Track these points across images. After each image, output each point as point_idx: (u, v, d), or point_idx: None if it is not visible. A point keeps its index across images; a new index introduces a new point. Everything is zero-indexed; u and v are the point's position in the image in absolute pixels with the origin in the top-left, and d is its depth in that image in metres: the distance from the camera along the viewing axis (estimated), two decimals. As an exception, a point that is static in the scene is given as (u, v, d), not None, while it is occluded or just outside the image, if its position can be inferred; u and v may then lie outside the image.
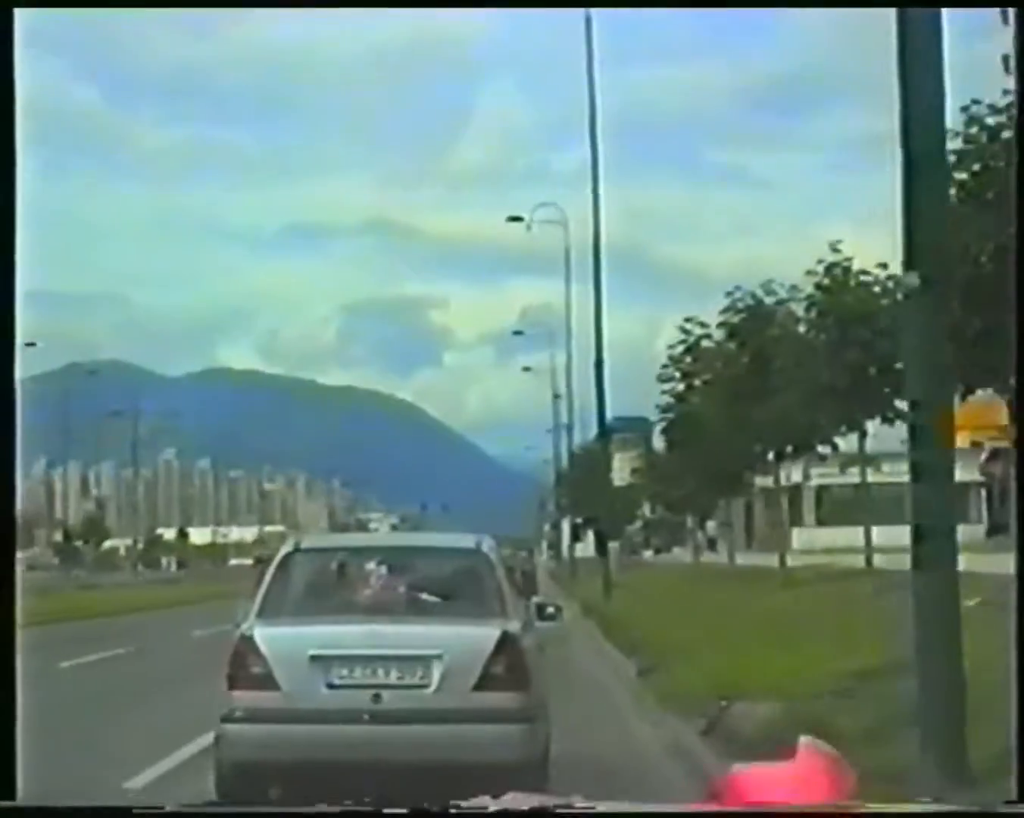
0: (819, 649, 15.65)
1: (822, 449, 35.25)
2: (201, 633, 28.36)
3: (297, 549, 10.31)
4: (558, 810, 1.97)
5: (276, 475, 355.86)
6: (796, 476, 58.21)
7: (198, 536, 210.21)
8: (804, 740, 2.26)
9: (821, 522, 69.05)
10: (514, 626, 9.59)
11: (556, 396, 79.86)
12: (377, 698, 9.13)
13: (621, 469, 66.80)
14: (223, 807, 1.34)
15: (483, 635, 9.36)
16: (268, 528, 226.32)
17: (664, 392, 42.44)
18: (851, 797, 2.11)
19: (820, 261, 31.18)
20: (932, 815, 2.36)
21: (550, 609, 11.34)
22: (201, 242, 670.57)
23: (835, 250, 31.19)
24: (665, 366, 41.78)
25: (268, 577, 10.01)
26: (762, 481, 45.57)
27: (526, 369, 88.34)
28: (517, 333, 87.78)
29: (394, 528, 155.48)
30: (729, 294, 35.86)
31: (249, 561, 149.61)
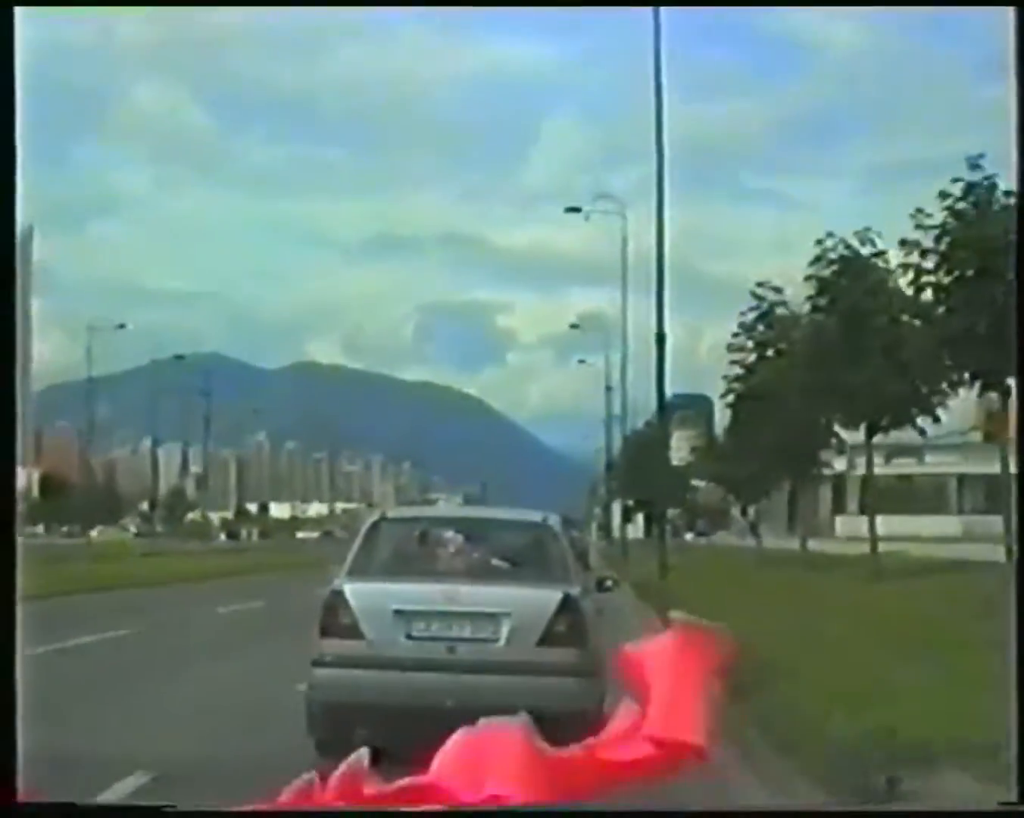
0: (977, 661, 10.11)
1: (922, 421, 28.41)
2: (224, 610, 25.41)
3: (383, 518, 10.48)
4: (558, 810, 1.78)
5: (355, 458, 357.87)
6: (839, 465, 53.28)
7: (278, 510, 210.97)
8: (676, 615, 2.06)
9: (864, 510, 63.56)
10: (575, 590, 9.67)
11: (608, 388, 76.73)
12: (451, 650, 9.24)
13: (679, 448, 61.11)
14: (223, 807, 1.73)
15: (547, 597, 9.44)
16: (341, 505, 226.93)
17: (733, 362, 36.13)
18: (724, 663, 1.95)
19: (944, 194, 22.99)
20: (932, 815, 2.27)
21: (608, 582, 11.48)
22: (296, 248, 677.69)
23: (975, 166, 22.96)
24: (736, 335, 35.80)
25: (358, 541, 10.14)
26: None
27: (581, 361, 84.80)
28: (574, 327, 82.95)
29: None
30: (819, 242, 28.83)
31: (316, 534, 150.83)
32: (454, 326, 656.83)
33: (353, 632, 9.28)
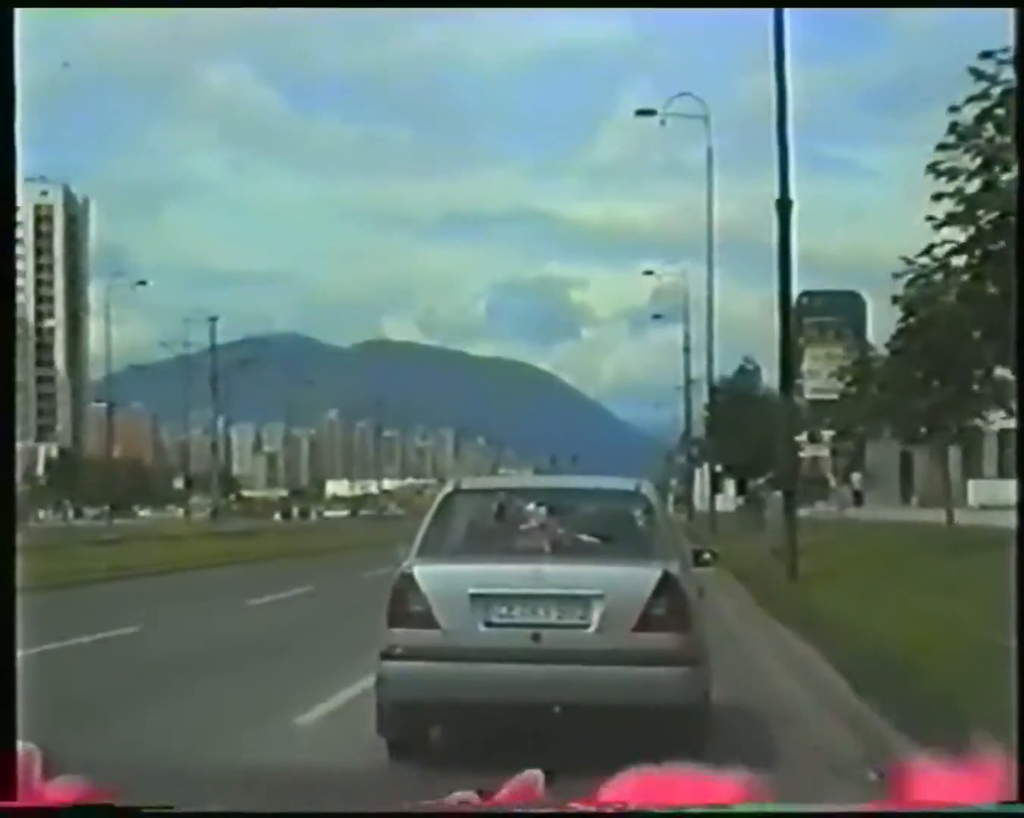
0: None
1: None
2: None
3: (457, 489, 9.36)
4: (559, 810, 1.71)
5: (427, 434, 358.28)
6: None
7: (336, 487, 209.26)
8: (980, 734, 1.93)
9: (1005, 474, 52.45)
10: (675, 567, 8.55)
11: (686, 349, 70.69)
12: (536, 637, 8.16)
13: (816, 371, 47.29)
14: (224, 807, 1.44)
15: (644, 576, 8.33)
16: (394, 482, 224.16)
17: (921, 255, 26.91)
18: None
19: None
20: (932, 815, 2.19)
21: (706, 555, 10.28)
22: (369, 228, 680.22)
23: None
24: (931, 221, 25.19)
25: (428, 517, 9.07)
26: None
27: (656, 316, 76.28)
28: (648, 273, 72.41)
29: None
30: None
31: (344, 512, 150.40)
32: (527, 302, 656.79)
33: (425, 620, 8.22)
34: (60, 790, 2.01)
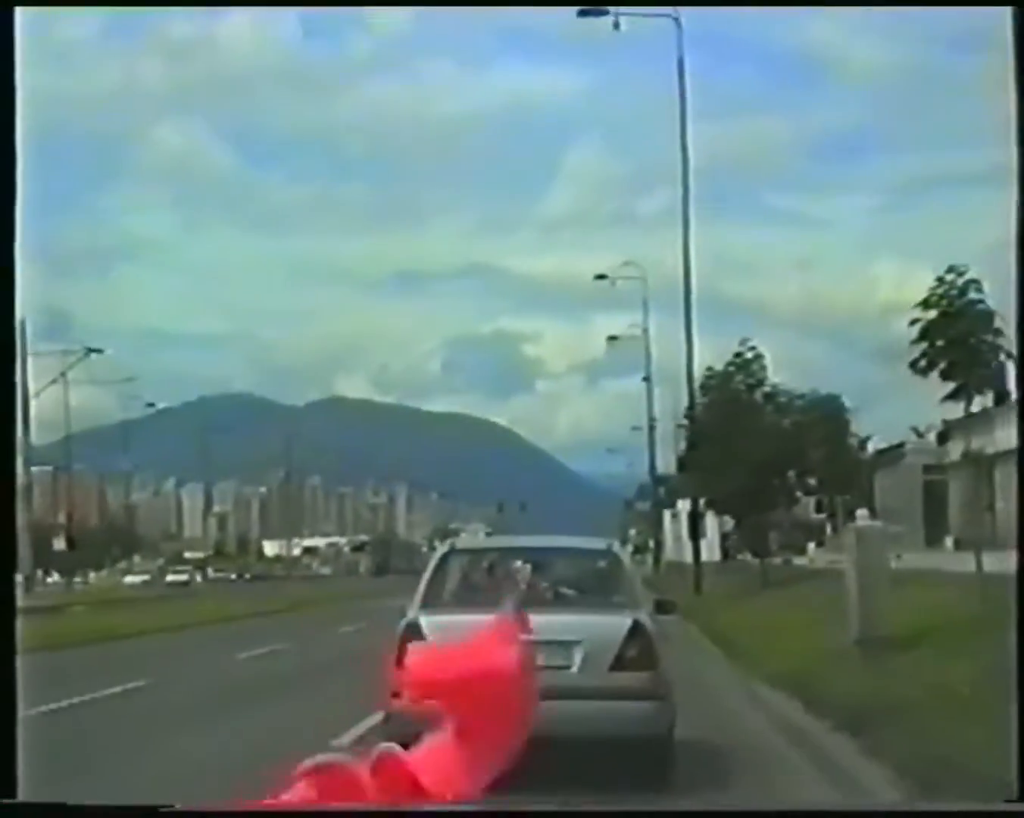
0: None
1: None
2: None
3: (452, 549, 10.90)
4: (560, 810, 1.82)
5: (380, 490, 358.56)
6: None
7: (270, 548, 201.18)
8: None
9: None
10: (643, 616, 10.08)
11: (646, 379, 69.65)
12: None
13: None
14: (223, 806, 1.78)
15: (617, 623, 9.85)
16: (307, 541, 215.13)
17: None
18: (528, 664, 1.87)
19: None
20: (932, 814, 2.21)
21: (667, 604, 11.83)
22: (320, 286, 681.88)
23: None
24: None
25: (428, 573, 10.55)
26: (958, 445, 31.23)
27: (612, 338, 72.24)
28: (600, 277, 64.21)
29: (488, 535, 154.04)
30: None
31: (183, 577, 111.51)
32: (481, 357, 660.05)
33: None
34: None
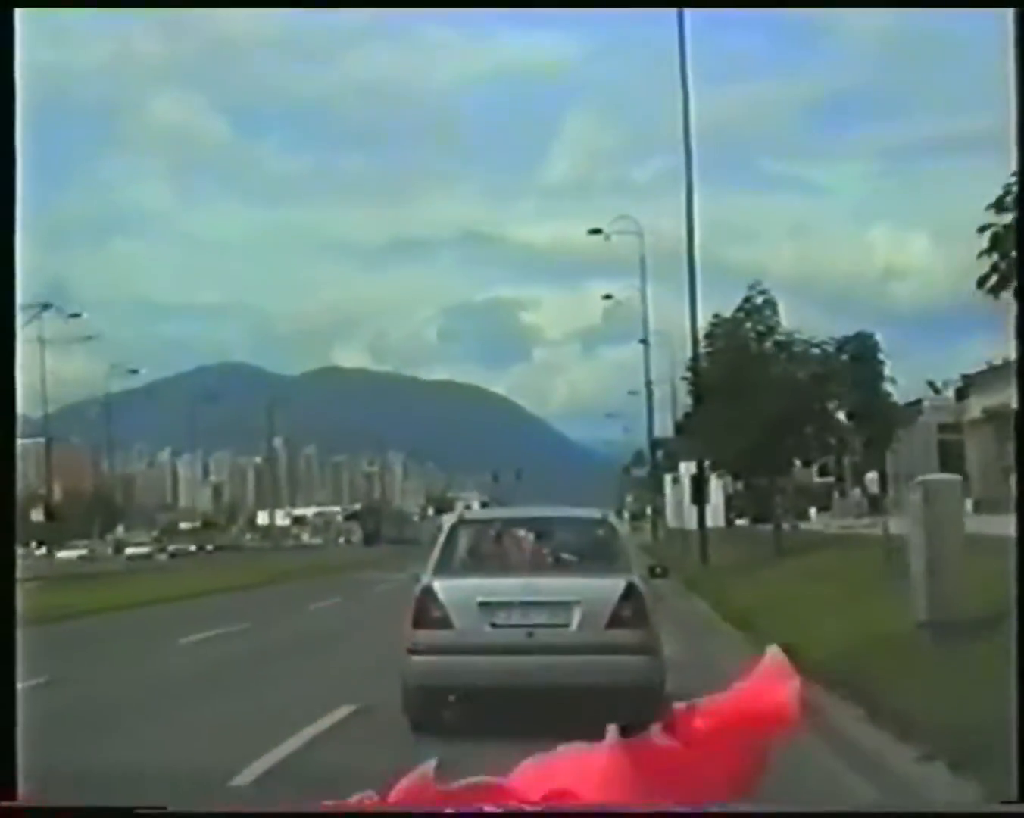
0: None
1: None
2: None
3: (461, 520, 12.04)
4: (562, 810, 1.81)
5: (375, 460, 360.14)
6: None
7: (263, 518, 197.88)
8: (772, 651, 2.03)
9: None
10: (636, 579, 11.18)
11: (642, 341, 66.68)
12: (530, 635, 10.76)
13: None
14: (223, 806, 1.66)
15: (612, 585, 10.95)
16: (306, 509, 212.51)
17: None
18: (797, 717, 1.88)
19: None
20: (932, 815, 2.22)
21: (659, 569, 13.05)
22: (317, 256, 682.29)
23: None
24: None
25: (440, 541, 11.66)
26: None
27: (607, 297, 70.47)
28: (594, 232, 60.37)
29: (484, 505, 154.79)
30: None
31: (146, 549, 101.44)
32: (478, 325, 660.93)
33: (443, 622, 10.82)
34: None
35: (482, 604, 10.87)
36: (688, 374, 37.88)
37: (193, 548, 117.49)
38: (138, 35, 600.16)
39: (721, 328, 34.96)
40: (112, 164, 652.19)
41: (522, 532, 11.80)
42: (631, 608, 10.84)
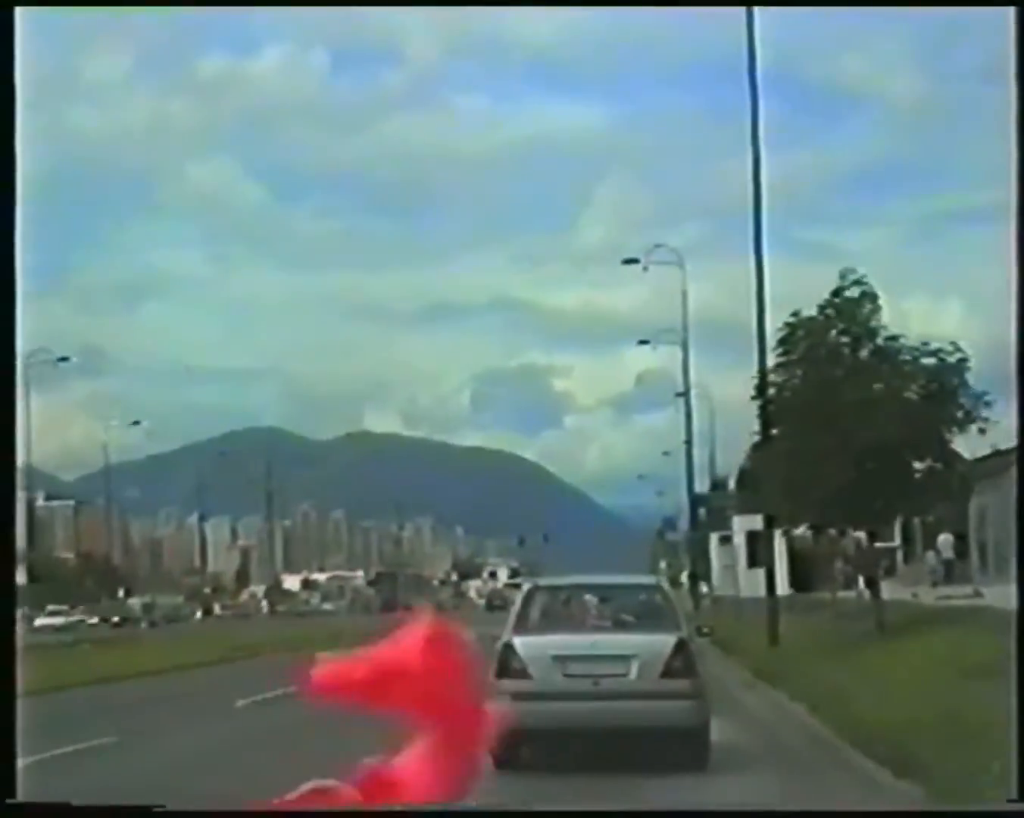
0: None
1: None
2: None
3: (536, 587, 14.31)
4: (558, 810, 1.79)
5: (405, 524, 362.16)
6: None
7: (290, 582, 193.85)
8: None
9: None
10: (685, 635, 13.38)
11: (680, 394, 62.27)
12: (596, 683, 12.97)
13: None
14: (222, 806, 1.94)
15: (664, 641, 13.16)
16: (320, 574, 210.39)
17: None
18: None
19: None
20: (932, 815, 2.23)
21: (705, 629, 15.34)
22: (349, 321, 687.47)
23: None
24: None
25: (518, 604, 13.88)
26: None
27: (643, 342, 64.28)
28: (631, 261, 57.37)
29: (515, 571, 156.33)
30: None
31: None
32: (510, 391, 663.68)
33: (523, 673, 13.01)
34: None
35: (555, 657, 13.06)
36: (753, 394, 28.16)
37: (95, 620, 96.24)
38: (174, 101, 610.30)
39: (802, 330, 26.08)
40: (147, 229, 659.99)
41: (588, 596, 14.06)
42: (681, 660, 13.01)
